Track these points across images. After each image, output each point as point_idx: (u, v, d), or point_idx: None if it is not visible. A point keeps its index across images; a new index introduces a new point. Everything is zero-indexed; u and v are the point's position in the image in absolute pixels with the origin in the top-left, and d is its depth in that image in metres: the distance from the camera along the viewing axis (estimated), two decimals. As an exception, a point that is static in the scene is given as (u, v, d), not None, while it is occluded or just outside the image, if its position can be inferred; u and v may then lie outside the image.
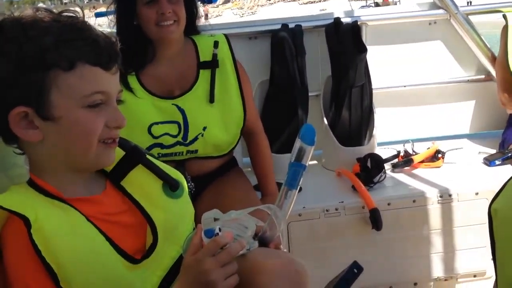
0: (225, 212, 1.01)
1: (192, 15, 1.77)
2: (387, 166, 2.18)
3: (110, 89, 0.98)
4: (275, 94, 2.28)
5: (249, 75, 1.86)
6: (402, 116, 2.55)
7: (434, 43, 2.50)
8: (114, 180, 1.08)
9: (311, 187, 2.04)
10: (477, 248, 2.00)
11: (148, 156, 1.12)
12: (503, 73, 2.32)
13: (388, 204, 1.98)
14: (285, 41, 2.21)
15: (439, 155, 2.24)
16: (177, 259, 1.06)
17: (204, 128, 1.72)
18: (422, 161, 2.22)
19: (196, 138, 1.72)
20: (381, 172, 2.09)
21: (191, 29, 1.78)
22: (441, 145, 2.30)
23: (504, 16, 2.32)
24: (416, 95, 2.54)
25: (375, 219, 1.92)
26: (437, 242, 2.03)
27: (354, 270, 1.30)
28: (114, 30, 1.73)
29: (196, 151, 1.74)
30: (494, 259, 0.97)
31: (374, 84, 2.32)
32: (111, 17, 1.74)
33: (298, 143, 1.02)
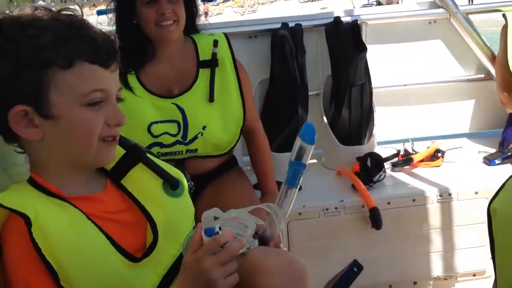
0: (225, 211, 1.01)
1: (192, 14, 1.77)
2: (387, 165, 2.19)
3: (109, 87, 0.98)
4: (275, 93, 2.28)
5: (249, 74, 1.86)
6: (402, 115, 2.56)
7: (434, 42, 2.50)
8: (114, 178, 1.08)
9: (311, 186, 2.04)
10: (477, 247, 2.00)
11: (148, 155, 1.12)
12: (502, 72, 2.32)
13: (388, 203, 1.98)
14: (285, 40, 2.21)
15: (439, 154, 2.24)
16: (177, 258, 1.06)
17: (204, 127, 1.72)
18: (421, 160, 2.22)
19: (195, 137, 1.72)
20: (381, 171, 2.09)
21: (191, 28, 1.78)
22: (441, 144, 2.30)
23: (504, 16, 2.32)
24: (416, 94, 2.54)
25: (374, 218, 1.92)
26: (436, 241, 2.03)
27: (354, 268, 1.30)
28: (114, 28, 1.73)
29: (196, 150, 1.74)
30: (493, 258, 0.97)
31: (374, 83, 2.32)
32: (111, 15, 1.74)
33: (298, 142, 1.02)
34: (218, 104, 1.75)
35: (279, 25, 2.29)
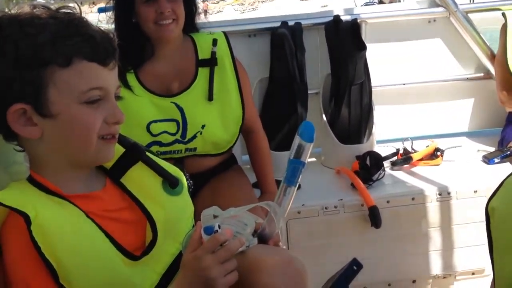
0: (224, 209, 1.01)
1: (191, 12, 1.76)
2: (386, 164, 2.19)
3: (107, 85, 0.98)
4: (275, 91, 2.28)
5: (248, 72, 1.86)
6: (401, 114, 2.56)
7: (433, 41, 2.50)
8: (113, 177, 1.08)
9: (310, 185, 2.04)
10: (476, 246, 2.00)
11: (147, 153, 1.12)
12: (502, 71, 2.32)
13: (387, 202, 1.98)
14: (284, 38, 2.21)
15: (438, 153, 2.24)
16: (176, 256, 1.06)
17: (203, 126, 1.72)
18: (421, 159, 2.23)
19: (194, 136, 1.72)
20: (380, 170, 2.09)
21: (190, 26, 1.77)
22: (440, 143, 2.30)
23: (503, 14, 2.32)
24: (416, 93, 2.54)
25: (374, 217, 1.92)
26: (436, 239, 2.03)
27: (354, 267, 1.30)
28: (113, 26, 1.73)
29: (195, 149, 1.74)
30: (491, 257, 0.97)
31: (374, 82, 2.32)
32: (110, 13, 1.74)
33: (297, 140, 1.02)
34: (217, 103, 1.75)
35: (278, 24, 2.29)
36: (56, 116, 0.94)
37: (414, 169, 2.20)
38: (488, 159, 2.20)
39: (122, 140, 1.08)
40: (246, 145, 1.94)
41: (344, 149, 2.23)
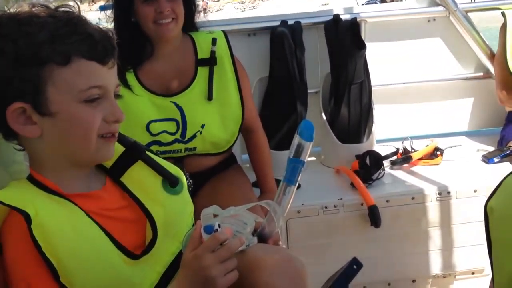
0: (224, 208, 1.01)
1: (191, 12, 1.76)
2: (386, 163, 2.18)
3: (106, 83, 0.98)
4: (274, 90, 2.27)
5: (248, 71, 1.86)
6: (401, 113, 2.56)
7: (433, 40, 2.50)
8: (113, 176, 1.08)
9: (310, 184, 2.04)
10: (475, 245, 2.00)
11: (147, 152, 1.12)
12: (501, 71, 2.32)
13: (387, 201, 1.98)
14: (284, 37, 2.21)
15: (438, 153, 2.24)
16: (176, 255, 1.06)
17: (203, 126, 1.72)
18: (420, 158, 2.22)
19: (194, 136, 1.72)
20: (380, 169, 2.09)
21: (190, 26, 1.77)
22: (440, 143, 2.30)
23: (503, 14, 2.32)
24: (415, 93, 2.54)
25: (373, 216, 1.92)
26: (435, 239, 2.03)
27: (354, 266, 1.30)
28: (113, 25, 1.72)
29: (195, 148, 1.74)
30: (490, 256, 0.97)
31: (373, 81, 2.32)
32: (109, 12, 1.74)
33: (296, 139, 1.02)
34: (217, 102, 1.74)
35: (278, 23, 2.29)
36: (55, 115, 0.94)
37: (413, 169, 2.20)
38: (487, 158, 2.20)
39: (122, 139, 1.08)
40: (245, 144, 1.94)
41: (344, 148, 2.23)
